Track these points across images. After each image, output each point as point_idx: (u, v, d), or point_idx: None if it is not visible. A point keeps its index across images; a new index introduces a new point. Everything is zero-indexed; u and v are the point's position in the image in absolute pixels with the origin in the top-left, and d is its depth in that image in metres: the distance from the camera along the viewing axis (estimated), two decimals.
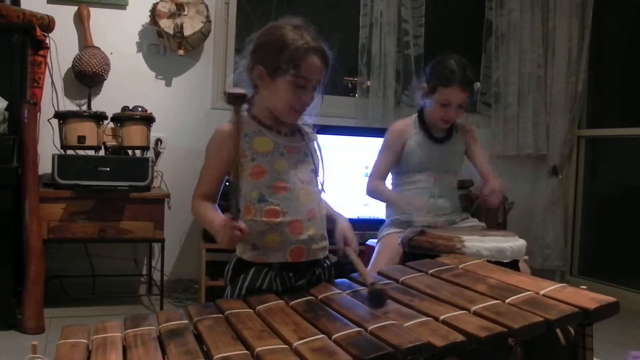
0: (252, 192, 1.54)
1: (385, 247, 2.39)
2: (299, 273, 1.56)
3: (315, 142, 1.68)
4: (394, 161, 2.46)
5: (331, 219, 1.66)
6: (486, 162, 2.50)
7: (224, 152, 1.53)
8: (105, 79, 3.39)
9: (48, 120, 3.11)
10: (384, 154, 2.48)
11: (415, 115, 2.51)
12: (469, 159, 2.54)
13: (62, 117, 3.04)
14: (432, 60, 2.46)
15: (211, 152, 1.59)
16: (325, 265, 1.64)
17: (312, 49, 1.54)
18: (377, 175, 2.46)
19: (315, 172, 1.64)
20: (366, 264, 2.50)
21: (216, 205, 1.59)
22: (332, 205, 1.72)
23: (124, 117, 3.13)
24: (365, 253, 2.74)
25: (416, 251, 2.06)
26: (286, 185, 1.55)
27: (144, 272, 3.54)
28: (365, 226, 3.32)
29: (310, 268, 1.59)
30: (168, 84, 3.57)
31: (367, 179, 2.51)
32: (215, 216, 1.52)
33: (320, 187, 1.65)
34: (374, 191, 2.45)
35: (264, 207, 1.53)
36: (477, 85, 2.39)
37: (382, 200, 2.51)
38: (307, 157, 1.62)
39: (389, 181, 2.57)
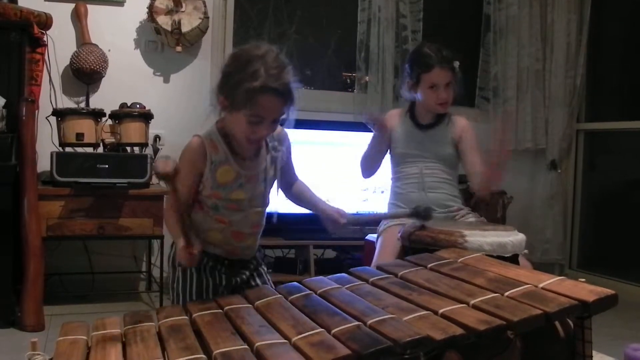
0: (209, 200, 1.66)
1: (387, 240, 2.39)
2: (232, 265, 1.74)
3: (280, 152, 1.73)
4: (382, 142, 2.49)
5: (315, 207, 1.79)
6: (478, 162, 2.41)
7: (194, 169, 1.63)
8: (103, 76, 3.38)
9: (46, 117, 3.11)
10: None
11: (406, 106, 2.57)
12: (461, 157, 2.50)
13: (60, 114, 3.04)
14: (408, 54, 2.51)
15: (183, 164, 1.61)
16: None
17: (268, 89, 1.50)
18: None
19: (266, 193, 1.73)
20: (367, 258, 2.50)
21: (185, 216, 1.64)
22: (314, 193, 1.84)
23: (122, 114, 3.13)
24: (365, 248, 2.75)
25: (417, 246, 2.06)
26: (239, 207, 1.67)
27: (144, 269, 3.54)
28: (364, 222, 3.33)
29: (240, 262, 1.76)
30: (166, 80, 3.57)
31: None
32: (179, 238, 1.57)
33: (268, 199, 1.75)
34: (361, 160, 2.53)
35: (215, 214, 1.67)
36: (457, 63, 2.44)
37: (366, 156, 2.52)
38: (263, 182, 1.70)
39: (388, 175, 2.59)
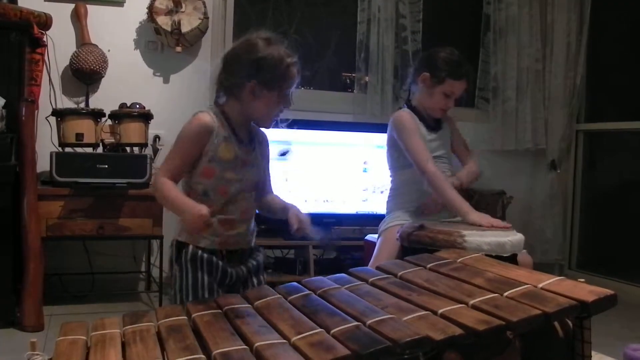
0: (198, 185, 1.71)
1: (386, 241, 2.38)
2: (230, 256, 1.77)
3: (265, 145, 1.85)
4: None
5: (284, 210, 1.79)
6: (463, 146, 2.58)
7: (200, 143, 1.68)
8: (103, 76, 3.39)
9: (46, 118, 3.11)
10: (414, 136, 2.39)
11: (406, 109, 2.49)
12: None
13: (60, 114, 3.04)
14: (432, 51, 2.47)
15: (188, 138, 1.70)
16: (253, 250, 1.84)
17: (295, 64, 1.71)
18: None
19: (255, 180, 1.79)
20: (367, 259, 2.50)
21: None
22: (283, 198, 1.88)
23: (122, 114, 3.13)
24: (365, 248, 2.75)
25: (416, 246, 2.06)
26: (228, 191, 1.72)
27: (143, 269, 3.55)
28: (364, 221, 3.33)
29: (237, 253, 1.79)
30: (166, 80, 3.57)
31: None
32: (188, 202, 1.63)
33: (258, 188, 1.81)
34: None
35: (204, 200, 1.67)
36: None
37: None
38: (253, 168, 1.78)
39: (387, 180, 2.58)
